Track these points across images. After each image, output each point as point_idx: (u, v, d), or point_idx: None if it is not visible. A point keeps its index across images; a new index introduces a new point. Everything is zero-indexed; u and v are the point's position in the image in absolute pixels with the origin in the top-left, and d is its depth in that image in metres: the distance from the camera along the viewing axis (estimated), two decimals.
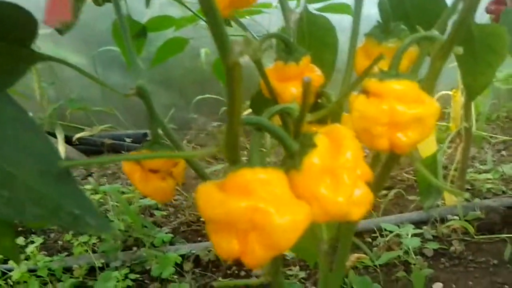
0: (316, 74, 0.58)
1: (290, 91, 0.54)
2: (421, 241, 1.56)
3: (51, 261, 1.61)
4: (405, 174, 2.14)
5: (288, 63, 0.57)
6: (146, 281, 1.59)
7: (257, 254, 0.29)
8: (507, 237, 1.67)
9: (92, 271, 1.60)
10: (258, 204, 0.28)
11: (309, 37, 0.71)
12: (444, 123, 2.09)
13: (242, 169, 0.29)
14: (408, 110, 0.45)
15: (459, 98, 1.61)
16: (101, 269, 1.58)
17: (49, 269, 1.57)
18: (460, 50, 0.45)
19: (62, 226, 0.32)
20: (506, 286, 1.50)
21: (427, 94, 0.47)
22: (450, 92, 1.69)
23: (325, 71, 0.64)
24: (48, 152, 0.36)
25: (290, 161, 0.33)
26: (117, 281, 1.49)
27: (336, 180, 0.31)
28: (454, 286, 1.51)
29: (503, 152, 2.31)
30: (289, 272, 1.55)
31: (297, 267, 1.57)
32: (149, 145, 0.54)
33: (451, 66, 0.85)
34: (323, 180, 0.30)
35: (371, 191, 0.58)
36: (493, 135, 2.30)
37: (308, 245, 0.74)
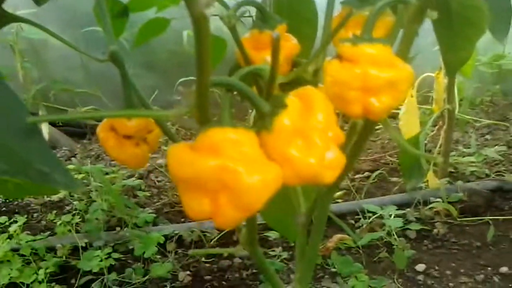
0: (291, 43, 0.58)
1: (265, 59, 0.54)
2: (403, 223, 1.57)
3: (34, 240, 1.60)
4: (388, 157, 2.14)
5: (263, 30, 0.56)
6: (129, 260, 1.59)
7: (228, 214, 0.28)
8: (490, 219, 1.68)
9: (75, 251, 1.59)
10: (227, 163, 0.28)
11: (287, 10, 0.71)
12: (428, 107, 2.09)
13: (212, 129, 0.29)
14: (381, 74, 0.44)
15: (442, 79, 1.61)
16: (84, 248, 1.57)
17: (32, 249, 1.56)
18: (434, 14, 0.45)
19: (30, 181, 0.31)
20: (489, 268, 1.51)
21: (401, 59, 0.47)
22: (433, 74, 1.70)
23: (304, 45, 0.64)
24: (17, 107, 0.36)
25: (261, 122, 0.32)
26: (100, 260, 1.48)
27: (307, 141, 0.30)
28: (437, 267, 1.52)
29: (487, 136, 2.33)
30: (271, 253, 1.56)
31: (280, 248, 1.58)
32: (123, 109, 0.54)
33: (435, 49, 0.84)
34: (294, 142, 0.30)
35: (348, 161, 0.58)
36: (477, 119, 2.31)
37: (288, 221, 0.74)
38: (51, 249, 1.60)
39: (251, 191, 0.28)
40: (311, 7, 0.72)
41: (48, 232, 1.68)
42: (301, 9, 0.71)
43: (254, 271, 1.53)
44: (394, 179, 1.95)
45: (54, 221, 1.72)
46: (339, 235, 1.55)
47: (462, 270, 1.51)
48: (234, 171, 0.28)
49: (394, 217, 1.53)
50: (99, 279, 1.48)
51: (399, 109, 1.73)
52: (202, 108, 0.30)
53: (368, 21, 0.46)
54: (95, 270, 1.46)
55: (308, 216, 0.64)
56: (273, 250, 1.57)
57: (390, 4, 0.45)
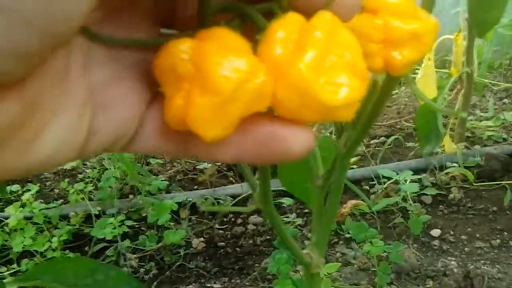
0: None
1: None
2: (419, 188, 1.55)
3: (47, 208, 1.60)
4: (404, 122, 2.11)
5: None
6: (142, 228, 1.59)
7: (198, 104, 0.25)
8: (507, 183, 1.66)
9: (88, 219, 1.60)
10: (202, 45, 0.25)
11: None
12: (446, 71, 2.05)
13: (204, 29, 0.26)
14: (404, 25, 0.42)
15: (461, 42, 1.57)
16: (98, 216, 1.57)
17: (45, 217, 1.56)
18: None
19: None
20: (505, 233, 1.49)
21: (426, 11, 0.44)
22: (451, 37, 1.65)
23: None
24: None
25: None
26: (114, 228, 1.48)
27: (301, 50, 0.26)
28: (452, 232, 1.51)
29: (505, 100, 2.28)
30: (285, 219, 1.55)
31: (294, 214, 1.57)
32: None
33: (455, 11, 0.81)
34: (284, 46, 0.26)
35: (367, 120, 0.55)
36: (495, 83, 2.26)
37: (305, 185, 0.72)
38: (64, 217, 1.60)
39: (218, 69, 0.24)
40: None
41: (61, 201, 1.69)
42: None
43: (268, 237, 1.52)
44: (410, 144, 1.92)
45: (67, 189, 1.71)
46: (353, 201, 1.54)
47: (477, 235, 1.49)
48: (206, 49, 0.25)
49: (410, 182, 1.51)
50: (113, 246, 1.48)
51: (416, 73, 1.69)
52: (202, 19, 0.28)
53: None
54: (109, 237, 1.46)
55: (326, 179, 0.62)
56: (287, 217, 1.56)
57: None
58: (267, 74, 0.25)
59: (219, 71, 0.24)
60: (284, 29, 0.26)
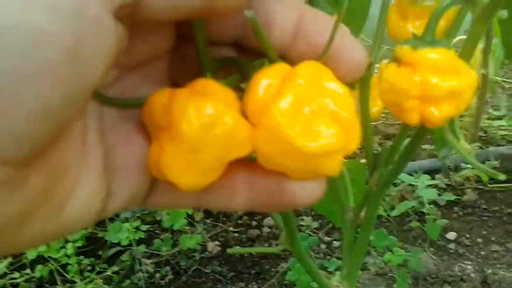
0: None
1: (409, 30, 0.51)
2: (437, 194, 1.54)
3: None
4: None
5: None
6: (156, 231, 1.59)
7: (168, 151, 0.25)
8: None
9: (101, 222, 1.59)
10: (182, 93, 0.25)
11: None
12: None
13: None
14: (442, 82, 0.41)
15: (479, 44, 1.55)
16: (111, 219, 1.57)
17: None
18: (504, 14, 0.41)
19: None
20: None
21: (465, 62, 0.43)
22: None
23: (354, 22, 0.60)
24: None
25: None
26: (129, 232, 1.48)
27: (279, 97, 0.26)
28: (468, 235, 1.51)
29: None
30: (301, 223, 1.55)
31: (310, 218, 1.57)
32: None
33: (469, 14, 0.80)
34: (266, 95, 0.26)
35: (400, 161, 0.55)
36: (506, 80, 2.25)
37: (335, 206, 0.71)
38: None
39: (180, 113, 0.24)
40: None
41: None
42: None
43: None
44: (424, 145, 1.90)
45: None
46: None
47: (493, 238, 1.49)
48: (177, 97, 0.25)
49: (426, 187, 1.50)
50: (128, 251, 1.49)
51: None
52: (201, 69, 0.28)
53: (431, 21, 0.42)
54: (124, 242, 1.46)
55: (357, 212, 0.61)
56: (302, 219, 1.56)
57: (456, 4, 0.42)
58: (240, 119, 0.25)
59: (183, 117, 0.24)
60: (269, 77, 0.25)
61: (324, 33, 0.26)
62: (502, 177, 0.46)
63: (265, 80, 0.25)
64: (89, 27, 0.19)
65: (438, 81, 0.40)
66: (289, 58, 0.27)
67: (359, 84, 0.52)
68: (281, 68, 0.26)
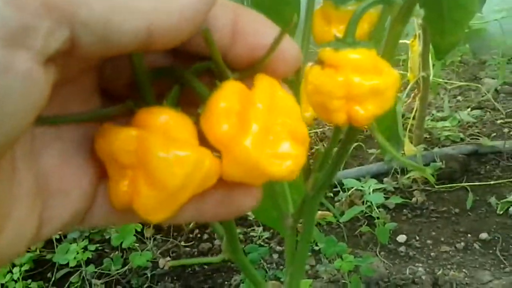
0: None
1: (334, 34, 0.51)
2: (384, 197, 1.56)
3: None
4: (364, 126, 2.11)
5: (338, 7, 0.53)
6: (106, 250, 1.56)
7: (144, 196, 0.25)
8: (467, 185, 1.68)
9: (49, 243, 1.55)
10: (144, 135, 0.25)
11: None
12: (401, 72, 2.07)
13: (145, 108, 0.26)
14: (365, 81, 0.41)
15: (417, 47, 1.58)
16: (59, 240, 1.53)
17: None
18: (421, 12, 0.42)
19: None
20: (468, 235, 1.52)
21: (386, 61, 0.43)
22: (407, 42, 1.67)
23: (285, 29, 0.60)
24: None
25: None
26: (77, 253, 1.45)
27: (244, 125, 0.26)
28: (417, 237, 1.53)
29: (459, 98, 2.32)
30: (252, 233, 1.54)
31: (260, 228, 1.56)
32: None
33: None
34: (228, 121, 0.26)
35: (334, 164, 0.55)
36: (449, 81, 2.30)
37: (278, 216, 0.71)
38: None
39: (162, 165, 0.24)
40: None
41: None
42: None
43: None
44: (371, 150, 1.93)
45: None
46: (320, 212, 1.54)
47: (442, 239, 1.52)
48: (148, 143, 0.25)
49: (374, 191, 1.52)
50: (77, 273, 1.45)
51: None
52: (146, 100, 0.27)
53: (351, 23, 0.42)
54: (72, 263, 1.43)
55: (296, 218, 0.61)
56: (253, 230, 1.55)
57: (373, 5, 0.42)
58: (212, 157, 0.25)
59: (165, 168, 0.24)
60: (225, 100, 0.26)
61: (261, 33, 0.26)
62: (431, 178, 0.47)
63: (223, 104, 0.26)
64: (15, 83, 0.18)
65: (361, 80, 0.41)
66: (228, 59, 0.27)
67: (290, 89, 0.52)
68: (234, 87, 0.26)
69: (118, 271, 1.45)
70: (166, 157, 0.24)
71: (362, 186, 1.53)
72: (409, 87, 1.62)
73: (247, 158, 0.25)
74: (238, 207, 0.28)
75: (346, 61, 0.41)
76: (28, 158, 0.24)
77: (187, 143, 0.25)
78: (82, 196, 0.26)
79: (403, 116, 2.01)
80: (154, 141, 0.24)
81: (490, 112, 2.17)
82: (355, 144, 1.89)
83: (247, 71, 0.27)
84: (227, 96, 0.26)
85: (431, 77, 1.69)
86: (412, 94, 1.84)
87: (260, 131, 0.26)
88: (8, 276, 1.40)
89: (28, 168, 0.23)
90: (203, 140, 0.26)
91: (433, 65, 1.91)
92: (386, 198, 1.60)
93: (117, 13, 0.19)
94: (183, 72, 0.27)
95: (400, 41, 1.47)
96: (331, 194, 1.70)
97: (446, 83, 2.28)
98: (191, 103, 0.27)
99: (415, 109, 1.81)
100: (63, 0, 0.19)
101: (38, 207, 0.24)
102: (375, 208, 1.53)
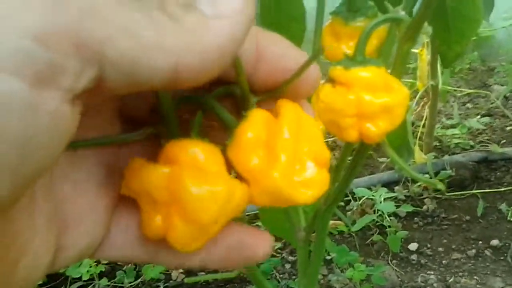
0: None
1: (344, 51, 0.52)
2: (395, 206, 1.57)
3: None
4: None
5: (348, 23, 0.54)
6: (119, 263, 1.56)
7: (179, 230, 0.26)
8: (477, 192, 1.68)
9: None
10: (176, 172, 0.25)
11: (274, 6, 0.67)
12: (409, 80, 2.08)
13: (172, 142, 0.27)
14: (376, 99, 0.42)
15: (425, 56, 1.59)
16: None
17: None
18: (429, 30, 0.43)
19: None
20: (479, 242, 1.52)
21: (396, 79, 0.44)
22: (415, 51, 1.67)
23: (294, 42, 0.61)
24: None
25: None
26: (90, 266, 1.46)
27: (271, 155, 0.27)
28: (429, 245, 1.52)
29: (468, 105, 2.32)
30: None
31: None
32: None
33: None
34: (256, 153, 0.27)
35: (346, 178, 0.56)
36: (457, 89, 2.30)
37: (289, 227, 0.72)
38: None
39: (196, 202, 0.25)
40: (298, 4, 0.68)
41: None
42: (288, 6, 0.68)
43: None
44: (382, 159, 1.93)
45: None
46: (331, 221, 1.54)
47: (453, 246, 1.51)
48: (181, 180, 0.25)
49: (385, 199, 1.52)
50: (90, 286, 1.46)
51: None
52: (169, 127, 0.28)
53: (360, 41, 0.43)
54: (85, 277, 1.43)
55: (308, 231, 0.62)
56: None
57: (381, 24, 0.43)
58: (242, 188, 0.26)
59: (199, 204, 0.25)
60: (253, 131, 0.26)
61: (284, 56, 0.27)
62: (441, 186, 0.48)
63: (251, 135, 0.26)
64: (43, 121, 0.18)
65: (372, 98, 0.42)
66: (250, 83, 0.27)
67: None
68: (261, 117, 0.27)
69: (131, 284, 1.46)
70: (200, 193, 0.25)
71: (373, 195, 1.54)
72: (418, 95, 1.63)
73: (276, 189, 0.26)
74: (251, 256, 0.28)
75: (356, 80, 0.42)
76: (46, 187, 0.24)
77: (218, 176, 0.26)
78: (97, 224, 0.26)
79: (413, 124, 2.02)
80: (187, 177, 0.25)
81: (499, 119, 2.16)
82: None
83: (269, 94, 0.28)
84: (255, 127, 0.27)
85: (440, 85, 1.69)
86: (422, 103, 1.85)
87: (288, 161, 0.26)
88: None
89: (45, 196, 0.24)
90: (230, 167, 0.27)
91: (442, 73, 1.92)
92: (397, 207, 1.60)
93: (144, 52, 0.19)
94: (207, 99, 0.28)
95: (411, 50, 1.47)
96: (343, 204, 1.70)
97: (455, 90, 2.28)
98: (212, 126, 0.28)
99: (424, 117, 1.82)
100: (92, 39, 0.19)
101: (54, 236, 0.24)
102: (387, 216, 1.54)
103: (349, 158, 0.55)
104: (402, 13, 0.42)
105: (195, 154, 0.26)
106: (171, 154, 0.26)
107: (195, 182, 0.25)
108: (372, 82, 0.43)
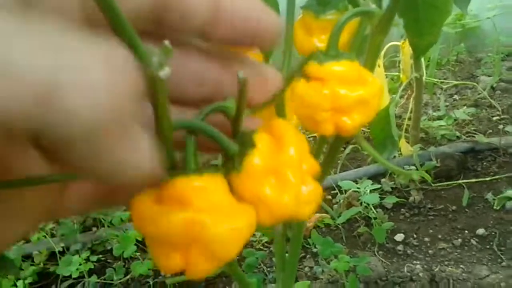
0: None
1: (316, 45, 0.53)
2: (380, 194, 1.58)
3: (8, 250, 1.56)
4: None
5: (318, 16, 0.54)
6: (109, 260, 1.57)
7: (200, 267, 0.26)
8: (463, 182, 1.70)
9: (53, 256, 1.56)
10: (194, 216, 0.26)
11: None
12: (395, 73, 2.09)
13: (176, 177, 0.27)
14: (350, 93, 0.43)
15: (408, 49, 1.60)
16: (62, 253, 1.54)
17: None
18: (400, 22, 0.43)
19: None
20: (465, 232, 1.53)
21: (369, 70, 0.45)
22: (398, 43, 1.68)
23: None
24: None
25: (230, 163, 0.30)
26: (80, 264, 1.46)
27: (280, 179, 0.28)
28: (415, 235, 1.54)
29: (455, 97, 2.34)
30: (252, 238, 1.55)
31: (259, 233, 1.57)
32: None
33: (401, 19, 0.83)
34: (267, 181, 0.28)
35: (322, 171, 0.56)
36: (444, 80, 2.32)
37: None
38: (28, 257, 1.57)
39: (221, 242, 0.26)
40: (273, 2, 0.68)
41: (23, 241, 1.64)
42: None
43: (237, 257, 1.52)
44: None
45: None
46: (317, 214, 1.55)
47: (440, 236, 1.53)
48: (201, 223, 0.26)
49: (370, 191, 1.53)
50: (80, 283, 1.46)
51: None
52: (166, 154, 0.28)
53: (332, 36, 0.44)
54: (75, 275, 1.44)
55: (286, 225, 0.62)
56: (253, 235, 1.57)
57: (353, 17, 0.43)
58: (254, 213, 0.27)
59: (222, 245, 0.26)
60: (262, 158, 0.28)
61: (242, 13, 0.27)
62: (415, 176, 0.48)
63: (260, 162, 0.27)
64: None
65: (347, 92, 0.42)
66: (209, 34, 0.27)
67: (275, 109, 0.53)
68: (267, 141, 0.28)
69: (121, 281, 1.47)
70: (223, 234, 0.25)
71: (358, 188, 1.55)
72: (401, 88, 1.64)
73: (286, 212, 0.27)
74: None
75: (331, 74, 0.43)
76: None
77: (235, 210, 0.27)
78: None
79: (400, 117, 2.03)
80: (207, 219, 0.25)
81: (486, 109, 2.18)
82: (352, 146, 1.91)
83: (256, 108, 0.29)
84: (264, 154, 0.28)
85: (424, 77, 1.70)
86: (406, 95, 1.86)
87: (296, 183, 0.28)
88: None
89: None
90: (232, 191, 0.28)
91: (427, 65, 1.93)
92: (384, 199, 1.61)
93: None
94: (202, 125, 0.28)
95: (393, 42, 1.49)
96: (330, 197, 1.71)
97: (442, 82, 2.30)
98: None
99: (409, 109, 1.83)
100: None
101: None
102: (372, 208, 1.55)
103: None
104: (373, 6, 0.43)
105: (204, 190, 0.26)
106: (178, 191, 0.26)
107: (216, 224, 0.25)
108: (346, 76, 0.43)
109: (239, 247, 0.26)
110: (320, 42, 0.53)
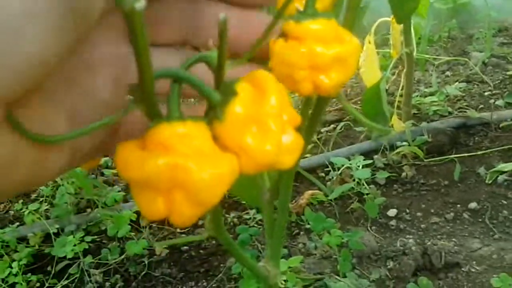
0: None
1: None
2: (372, 172, 1.59)
3: (3, 232, 1.57)
4: (352, 105, 2.13)
5: None
6: (103, 241, 1.57)
7: (184, 212, 0.27)
8: (455, 157, 1.71)
9: (47, 238, 1.57)
10: (177, 160, 0.26)
11: None
12: (387, 50, 2.08)
13: (160, 124, 0.27)
14: (327, 51, 0.43)
15: (397, 25, 1.60)
16: (57, 234, 1.55)
17: (3, 241, 1.53)
18: None
19: None
20: (458, 205, 1.54)
21: (348, 30, 0.45)
22: (389, 19, 1.68)
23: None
24: None
25: (212, 112, 0.30)
26: (74, 245, 1.46)
27: (262, 128, 0.28)
28: (407, 210, 1.55)
29: (447, 73, 2.34)
30: (246, 216, 1.56)
31: (253, 210, 1.58)
32: None
33: None
34: (249, 129, 0.28)
35: (306, 134, 0.57)
36: (436, 57, 2.31)
37: (254, 191, 0.73)
38: (23, 239, 1.57)
39: (204, 187, 0.26)
40: None
41: (17, 223, 1.65)
42: None
43: (230, 235, 1.53)
44: (360, 128, 1.94)
45: (22, 210, 1.68)
46: (310, 191, 1.56)
47: (432, 211, 1.54)
48: (185, 168, 0.26)
49: (362, 167, 1.54)
50: (75, 264, 1.47)
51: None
52: (149, 102, 0.28)
53: None
54: (70, 255, 1.45)
55: (273, 192, 0.63)
56: (247, 213, 1.57)
57: None
58: (236, 161, 0.27)
59: (205, 189, 0.26)
60: (244, 107, 0.28)
61: None
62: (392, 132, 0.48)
63: (242, 111, 0.28)
64: None
65: (323, 50, 0.42)
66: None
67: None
68: (249, 91, 0.28)
69: (116, 260, 1.48)
70: (207, 178, 0.26)
71: (350, 164, 1.55)
72: (392, 64, 1.64)
73: (268, 160, 0.27)
74: None
75: (308, 32, 0.43)
76: None
77: (217, 156, 0.27)
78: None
79: (392, 94, 2.03)
80: (190, 164, 0.26)
81: (478, 85, 2.18)
82: (344, 123, 1.91)
83: (240, 59, 0.30)
84: (246, 103, 0.28)
85: (415, 54, 1.70)
86: (397, 71, 1.86)
87: (277, 131, 0.28)
88: (7, 270, 1.42)
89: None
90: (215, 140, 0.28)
91: (419, 39, 1.93)
92: (374, 175, 1.62)
93: None
94: (184, 73, 0.28)
95: (383, 19, 1.48)
96: (323, 174, 1.72)
97: (434, 59, 2.29)
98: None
99: (401, 86, 1.83)
100: None
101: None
102: (365, 184, 1.56)
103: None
104: None
105: (187, 136, 0.26)
106: (162, 138, 0.26)
107: (199, 169, 0.26)
108: (323, 34, 0.43)
109: (222, 192, 0.26)
110: (301, 5, 0.53)
